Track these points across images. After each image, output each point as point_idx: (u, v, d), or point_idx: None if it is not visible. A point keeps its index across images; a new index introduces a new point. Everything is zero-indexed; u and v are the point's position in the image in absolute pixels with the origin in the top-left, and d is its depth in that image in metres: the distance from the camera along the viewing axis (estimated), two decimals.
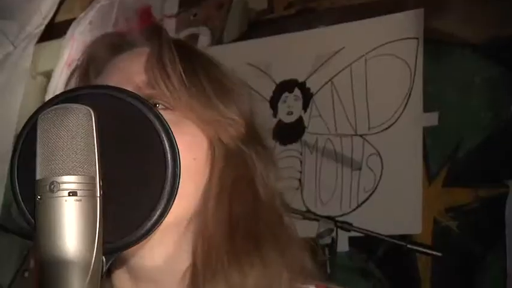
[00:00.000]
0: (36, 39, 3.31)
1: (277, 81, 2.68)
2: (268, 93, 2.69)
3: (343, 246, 2.37)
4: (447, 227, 2.23)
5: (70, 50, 3.23)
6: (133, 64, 0.81)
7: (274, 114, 2.66)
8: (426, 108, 2.35)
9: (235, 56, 2.77)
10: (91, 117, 0.58)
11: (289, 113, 2.64)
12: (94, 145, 0.58)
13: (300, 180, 2.55)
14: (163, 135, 0.62)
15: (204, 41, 2.92)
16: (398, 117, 2.41)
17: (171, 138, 0.63)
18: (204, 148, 0.80)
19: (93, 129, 0.58)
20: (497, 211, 2.14)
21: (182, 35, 2.98)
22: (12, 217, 3.08)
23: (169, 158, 0.62)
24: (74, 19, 3.28)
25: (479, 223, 2.18)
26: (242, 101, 0.84)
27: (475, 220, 2.18)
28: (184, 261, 0.79)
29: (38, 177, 0.57)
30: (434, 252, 1.86)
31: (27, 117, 0.63)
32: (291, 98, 2.64)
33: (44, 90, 3.27)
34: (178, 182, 0.63)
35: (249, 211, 0.80)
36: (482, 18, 2.29)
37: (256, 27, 2.81)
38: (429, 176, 2.31)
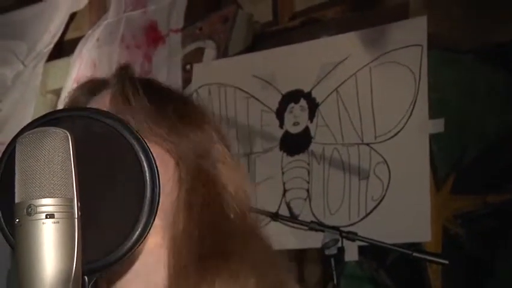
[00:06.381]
0: (45, 57, 3.35)
1: (283, 92, 2.69)
2: (274, 104, 2.70)
3: (352, 255, 2.37)
4: (456, 234, 2.22)
5: (78, 67, 3.26)
6: (103, 100, 0.87)
7: (281, 125, 2.67)
8: (432, 115, 2.35)
9: (240, 69, 2.79)
10: (68, 140, 0.59)
11: (296, 124, 2.64)
12: (71, 167, 0.58)
13: (308, 190, 2.55)
14: (141, 155, 0.63)
15: (209, 54, 2.94)
16: (404, 125, 2.40)
17: (149, 158, 0.64)
18: (171, 168, 0.84)
19: (70, 152, 0.59)
20: (506, 217, 2.12)
21: (188, 49, 3.01)
22: None
23: (147, 178, 0.63)
24: (82, 37, 3.32)
25: (487, 229, 2.16)
26: (204, 123, 0.89)
27: (483, 226, 2.17)
28: (160, 275, 0.82)
29: (16, 200, 0.58)
30: (441, 260, 1.85)
31: None
32: (297, 109, 2.65)
33: (54, 108, 3.30)
34: (158, 202, 0.64)
35: (217, 228, 0.83)
36: (485, 23, 2.28)
37: (261, 39, 2.82)
38: (437, 183, 2.30)
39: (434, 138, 2.32)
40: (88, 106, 0.87)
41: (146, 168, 0.63)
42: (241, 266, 0.81)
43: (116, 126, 0.63)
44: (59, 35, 3.37)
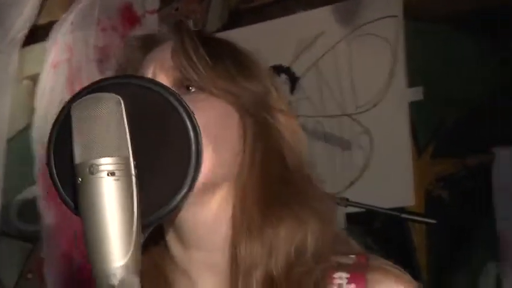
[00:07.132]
0: (20, 43, 3.34)
1: None
2: None
3: (340, 223, 2.44)
4: (439, 196, 2.31)
5: (54, 52, 3.26)
6: (163, 55, 0.89)
7: None
8: (411, 84, 2.42)
9: None
10: (121, 105, 0.64)
11: None
12: (125, 129, 0.63)
13: None
14: (185, 116, 0.68)
15: None
16: (384, 95, 2.47)
17: (192, 119, 0.69)
18: (235, 119, 0.87)
19: (123, 115, 0.63)
20: (486, 178, 2.22)
21: (165, 29, 3.02)
22: (10, 220, 3.11)
23: (191, 137, 0.68)
24: (56, 21, 3.31)
25: (468, 190, 2.25)
26: (262, 74, 0.91)
27: (464, 188, 2.26)
28: (226, 223, 0.86)
29: (77, 161, 0.62)
30: (428, 220, 1.94)
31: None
32: None
33: (31, 93, 3.29)
34: (201, 160, 0.69)
35: (277, 178, 0.86)
36: None
37: (238, 16, 2.85)
38: (418, 149, 2.38)
39: (413, 106, 2.40)
40: (144, 61, 0.89)
41: (190, 129, 0.68)
42: (304, 212, 0.85)
43: (161, 91, 0.68)
44: (32, 20, 3.35)
